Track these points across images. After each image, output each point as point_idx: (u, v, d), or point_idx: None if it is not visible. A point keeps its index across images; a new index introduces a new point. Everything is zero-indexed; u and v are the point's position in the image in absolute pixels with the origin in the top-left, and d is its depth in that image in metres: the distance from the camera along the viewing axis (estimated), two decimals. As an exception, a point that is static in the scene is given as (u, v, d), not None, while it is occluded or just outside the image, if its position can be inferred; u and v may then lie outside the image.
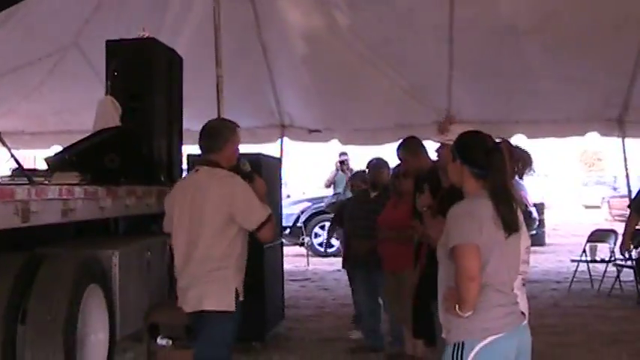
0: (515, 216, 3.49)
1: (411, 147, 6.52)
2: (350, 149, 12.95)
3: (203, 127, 5.17)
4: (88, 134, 7.15)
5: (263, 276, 7.62)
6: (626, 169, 11.21)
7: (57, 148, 10.51)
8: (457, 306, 3.41)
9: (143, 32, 7.89)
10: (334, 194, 13.11)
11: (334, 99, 11.17)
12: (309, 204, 16.55)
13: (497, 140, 3.67)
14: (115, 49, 7.57)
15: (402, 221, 6.41)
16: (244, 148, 9.97)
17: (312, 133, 11.46)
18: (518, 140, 10.90)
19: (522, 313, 3.55)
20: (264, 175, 7.71)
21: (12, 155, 5.50)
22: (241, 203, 4.93)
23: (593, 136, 11.15)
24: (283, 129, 11.62)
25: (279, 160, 8.58)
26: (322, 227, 15.68)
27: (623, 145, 10.85)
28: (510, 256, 3.51)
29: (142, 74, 7.52)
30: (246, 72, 10.49)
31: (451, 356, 3.44)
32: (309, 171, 9.26)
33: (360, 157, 12.25)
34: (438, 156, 5.49)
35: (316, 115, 11.48)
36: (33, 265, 5.33)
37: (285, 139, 11.66)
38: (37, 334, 5.05)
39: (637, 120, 10.63)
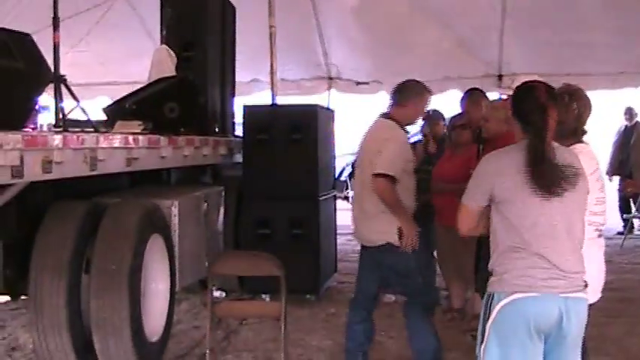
0: (551, 181, 3.26)
1: (474, 98, 6.41)
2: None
3: (399, 83, 5.39)
4: (139, 85, 7.13)
5: (317, 228, 7.59)
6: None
7: (103, 99, 10.52)
8: None
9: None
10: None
11: (382, 51, 11.02)
12: (353, 157, 16.13)
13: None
14: (168, -5, 7.48)
15: (458, 173, 6.32)
16: (290, 99, 10.02)
17: (360, 86, 11.31)
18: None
19: (582, 285, 3.32)
20: (320, 126, 7.72)
21: (78, 106, 5.48)
22: (384, 148, 5.08)
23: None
24: (330, 81, 11.49)
25: (332, 111, 8.46)
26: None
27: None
28: (555, 217, 3.29)
29: (197, 23, 7.46)
30: (294, 23, 10.36)
31: (484, 305, 3.39)
32: (354, 124, 9.13)
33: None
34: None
35: (364, 67, 11.35)
36: (95, 214, 5.33)
37: (332, 91, 11.52)
38: (102, 283, 5.07)
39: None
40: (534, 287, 3.26)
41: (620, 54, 10.41)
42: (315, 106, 7.81)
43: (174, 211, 6.18)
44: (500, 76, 11.24)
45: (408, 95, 5.31)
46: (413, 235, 5.16)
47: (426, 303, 5.39)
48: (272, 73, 8.70)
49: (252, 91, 11.17)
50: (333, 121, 8.39)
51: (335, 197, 8.59)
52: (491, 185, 3.36)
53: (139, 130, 5.85)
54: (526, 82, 3.53)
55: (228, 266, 5.44)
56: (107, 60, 11.60)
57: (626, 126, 12.42)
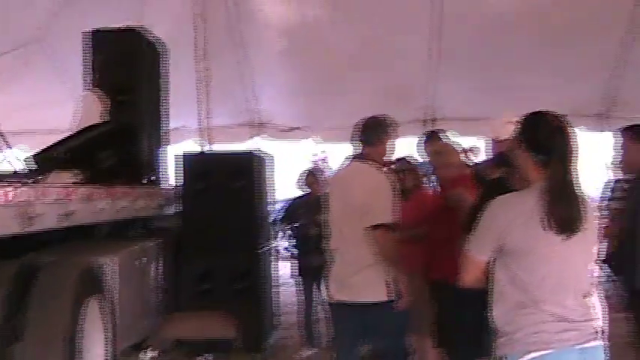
0: (575, 214, 2.96)
1: (431, 142, 6.16)
2: (328, 148, 12.55)
3: (364, 121, 5.11)
4: (58, 132, 6.63)
5: (260, 282, 7.17)
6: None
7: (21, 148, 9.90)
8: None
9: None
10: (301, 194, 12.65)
11: (311, 97, 10.73)
12: (281, 205, 15.78)
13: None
14: (99, 39, 7.02)
15: (410, 219, 6.05)
16: (217, 147, 9.59)
17: (288, 132, 10.98)
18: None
19: (593, 331, 3.02)
20: (260, 173, 7.35)
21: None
22: (378, 196, 4.82)
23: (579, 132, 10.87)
24: (258, 127, 11.12)
25: (272, 157, 8.08)
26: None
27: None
28: (567, 263, 3.01)
29: (130, 66, 7.03)
30: (219, 67, 9.98)
31: None
32: (281, 171, 8.90)
33: (338, 157, 11.84)
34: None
35: (292, 113, 11.04)
36: (27, 275, 4.79)
37: (260, 137, 11.15)
38: (37, 352, 4.53)
39: (624, 115, 10.40)
40: (549, 344, 2.96)
41: (553, 96, 10.37)
42: (256, 151, 7.44)
43: (114, 268, 5.69)
44: (433, 121, 11.10)
45: (380, 132, 5.02)
46: (408, 293, 4.83)
47: None
48: (205, 118, 8.30)
49: (177, 139, 10.69)
50: (272, 167, 8.01)
51: (271, 248, 8.18)
52: (501, 234, 3.02)
53: (74, 181, 5.34)
54: (533, 112, 3.22)
55: (181, 328, 5.03)
56: (21, 107, 10.97)
57: None
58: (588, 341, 2.99)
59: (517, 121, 3.21)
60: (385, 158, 5.15)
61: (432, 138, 6.26)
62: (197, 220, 7.10)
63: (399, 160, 6.54)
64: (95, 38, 7.05)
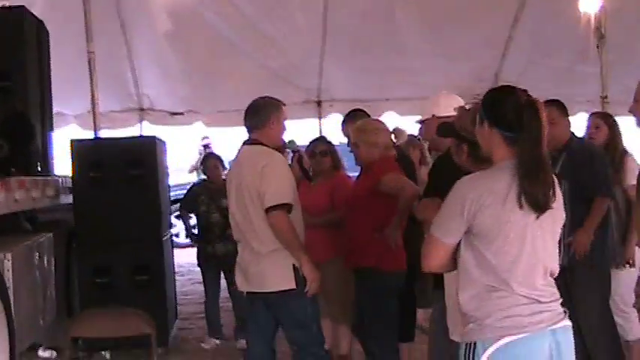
0: (548, 191, 2.84)
1: (355, 121, 5.95)
2: (214, 132, 12.25)
3: (248, 106, 4.88)
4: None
5: (162, 273, 6.86)
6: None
7: None
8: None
9: (3, 1, 6.90)
10: (199, 180, 12.33)
11: (197, 79, 10.46)
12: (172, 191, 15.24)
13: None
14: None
15: (321, 205, 5.90)
16: (101, 133, 9.18)
17: (174, 116, 10.63)
18: (390, 117, 10.73)
19: (562, 311, 2.94)
20: (159, 160, 7.03)
21: None
22: (267, 176, 4.60)
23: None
24: (142, 112, 10.70)
25: (165, 143, 7.72)
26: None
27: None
28: (539, 242, 2.90)
29: (13, 49, 6.52)
30: (102, 50, 9.53)
31: (463, 358, 2.91)
32: (170, 156, 8.53)
33: (225, 141, 11.61)
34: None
35: (178, 97, 10.69)
36: None
37: (145, 123, 10.74)
38: None
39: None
40: (523, 327, 2.82)
41: (438, 78, 10.46)
42: (154, 137, 7.10)
43: (7, 265, 5.28)
44: (319, 102, 11.01)
45: (266, 114, 4.81)
46: (316, 279, 4.65)
47: (320, 354, 4.88)
48: (93, 104, 7.89)
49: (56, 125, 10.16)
50: (166, 153, 7.68)
51: (171, 237, 7.86)
52: (470, 215, 2.85)
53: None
54: (497, 87, 3.09)
55: (92, 327, 4.71)
56: None
57: None
58: (559, 321, 2.90)
59: (477, 98, 3.09)
60: (277, 140, 4.93)
61: (356, 116, 6.05)
62: (92, 211, 6.70)
63: (314, 140, 6.37)
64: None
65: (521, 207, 2.81)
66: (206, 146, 12.52)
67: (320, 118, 11.03)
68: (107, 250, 6.66)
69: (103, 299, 6.49)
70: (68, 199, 6.99)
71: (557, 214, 2.93)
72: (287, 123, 4.97)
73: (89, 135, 8.81)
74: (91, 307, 6.34)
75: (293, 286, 4.62)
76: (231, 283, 7.13)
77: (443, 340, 4.32)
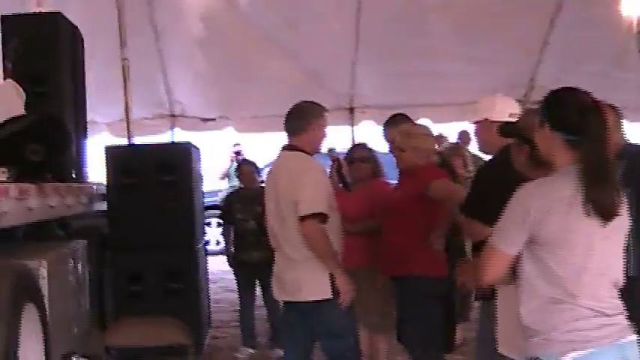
0: (614, 198, 2.72)
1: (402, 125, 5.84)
2: (246, 138, 12.19)
3: (290, 109, 4.79)
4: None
5: (196, 281, 6.78)
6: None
7: None
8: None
9: (39, 7, 6.87)
10: (230, 187, 12.27)
11: (229, 85, 10.41)
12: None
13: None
14: (12, 25, 6.45)
15: (359, 212, 5.78)
16: (134, 141, 9.14)
17: (206, 123, 10.58)
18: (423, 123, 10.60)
19: (627, 324, 2.80)
20: (193, 166, 6.96)
21: None
22: (302, 184, 4.49)
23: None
24: (174, 119, 10.66)
25: (199, 150, 7.66)
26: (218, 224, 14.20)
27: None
28: (605, 252, 2.77)
29: (48, 54, 6.45)
30: (133, 57, 9.50)
31: None
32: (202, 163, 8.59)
33: (256, 147, 11.55)
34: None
35: (210, 103, 10.66)
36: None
37: (177, 129, 10.70)
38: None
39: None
40: (589, 342, 2.70)
41: (471, 84, 10.32)
42: (188, 144, 7.04)
43: (43, 272, 5.21)
44: (351, 109, 10.92)
45: (307, 119, 4.71)
46: (350, 290, 4.54)
47: None
48: (127, 111, 7.85)
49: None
50: (200, 160, 7.61)
51: (205, 245, 7.79)
52: (535, 225, 2.72)
53: (4, 178, 4.84)
54: (558, 88, 2.95)
55: (128, 336, 4.63)
56: None
57: None
58: (625, 335, 2.76)
59: (539, 101, 2.95)
60: (316, 146, 4.81)
61: (398, 121, 5.94)
62: (125, 217, 6.64)
63: (354, 147, 6.27)
64: (5, 25, 6.46)
65: (587, 215, 2.68)
66: (237, 153, 12.45)
67: (352, 125, 10.93)
68: (140, 257, 6.60)
69: (136, 306, 6.43)
70: (101, 206, 6.94)
71: (622, 222, 2.80)
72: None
73: (121, 142, 8.77)
74: (124, 315, 6.28)
75: (329, 295, 4.51)
76: (266, 291, 7.05)
77: (487, 356, 4.17)
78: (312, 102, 4.88)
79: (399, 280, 5.14)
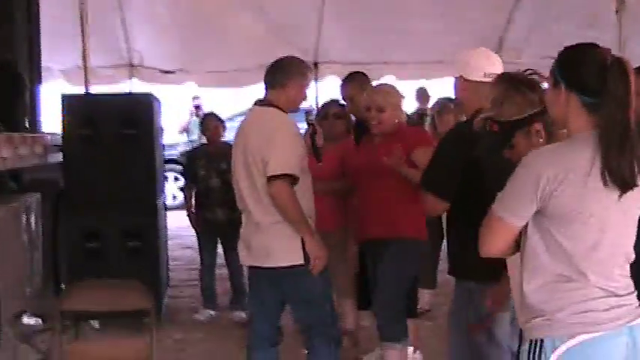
0: (633, 166, 2.45)
1: (360, 83, 5.59)
2: (205, 92, 11.81)
3: (273, 62, 4.47)
4: None
5: (157, 240, 6.49)
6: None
7: None
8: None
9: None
10: (189, 141, 11.94)
11: (190, 37, 9.97)
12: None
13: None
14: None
15: (332, 171, 5.54)
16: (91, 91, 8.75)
17: (165, 75, 10.18)
18: (388, 81, 10.37)
19: (638, 304, 2.57)
20: (155, 119, 6.64)
21: None
22: (273, 142, 4.21)
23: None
24: (132, 69, 10.23)
25: (160, 102, 7.29)
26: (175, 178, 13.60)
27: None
28: (621, 226, 2.53)
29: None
30: (89, 4, 9.06)
31: (526, 356, 2.55)
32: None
33: (215, 102, 11.19)
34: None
35: (170, 54, 10.22)
36: None
37: (134, 80, 10.28)
38: None
39: (510, 61, 10.21)
40: (600, 324, 2.47)
41: (438, 42, 10.07)
42: (150, 95, 6.70)
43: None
44: (316, 64, 10.58)
45: (289, 74, 4.42)
46: (322, 255, 4.29)
47: (332, 334, 4.53)
48: (84, 58, 7.44)
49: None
50: (160, 113, 7.27)
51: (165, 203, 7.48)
52: (544, 195, 2.45)
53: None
54: (575, 44, 2.66)
55: (85, 300, 4.34)
56: None
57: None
58: (637, 317, 2.53)
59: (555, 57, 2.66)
60: (293, 105, 4.55)
61: (355, 79, 5.69)
62: (82, 171, 6.31)
63: (328, 103, 6.01)
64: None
65: (605, 185, 2.42)
66: (197, 107, 12.10)
67: (317, 80, 10.62)
68: (98, 214, 6.28)
69: (93, 266, 6.15)
70: (56, 158, 6.57)
71: (638, 194, 2.53)
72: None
73: (77, 91, 8.38)
74: (79, 276, 5.97)
75: (301, 261, 4.25)
76: (228, 252, 6.81)
77: (462, 333, 3.96)
78: (298, 58, 4.59)
79: (381, 243, 4.90)
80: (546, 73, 2.74)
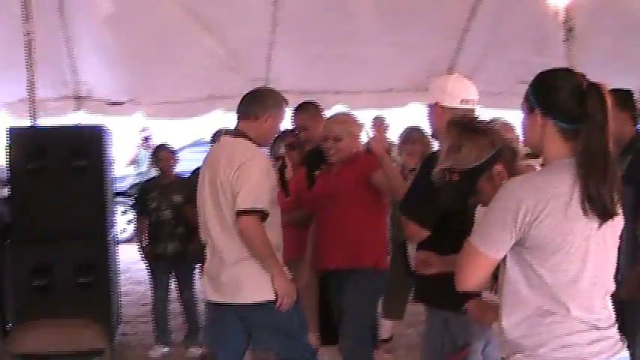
0: (614, 195, 2.40)
1: (313, 112, 5.56)
2: (154, 124, 11.63)
3: (249, 91, 4.49)
4: None
5: (107, 272, 6.31)
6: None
7: None
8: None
9: None
10: (138, 174, 11.73)
11: (139, 67, 9.79)
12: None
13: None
14: None
15: (285, 202, 5.45)
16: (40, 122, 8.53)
17: (114, 106, 9.99)
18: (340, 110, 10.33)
19: (619, 338, 2.53)
20: (107, 151, 6.49)
21: None
22: (244, 176, 4.14)
23: (414, 107, 10.67)
24: (79, 101, 10.01)
25: (111, 134, 7.15)
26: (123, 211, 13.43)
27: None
28: (602, 256, 2.46)
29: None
30: (36, 33, 8.86)
31: None
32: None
33: (164, 133, 11.03)
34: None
35: (118, 85, 10.03)
36: None
37: (82, 112, 10.06)
38: None
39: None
40: (583, 359, 2.41)
41: (390, 70, 10.09)
42: (100, 127, 6.54)
43: None
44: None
45: (264, 107, 4.36)
46: (291, 292, 4.19)
47: None
48: (31, 90, 7.26)
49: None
50: (111, 145, 7.12)
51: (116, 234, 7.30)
52: (524, 226, 2.38)
53: None
54: (551, 69, 2.61)
55: (37, 341, 4.18)
56: None
57: None
58: (619, 351, 2.48)
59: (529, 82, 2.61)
60: (265, 138, 4.50)
61: (308, 108, 5.65)
62: (31, 204, 6.15)
63: (283, 133, 5.93)
64: None
65: (585, 214, 2.36)
66: (146, 138, 11.93)
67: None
68: (47, 249, 6.11)
69: (42, 304, 5.95)
70: (2, 192, 6.38)
71: (619, 223, 2.49)
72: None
73: (21, 124, 8.16)
74: (27, 313, 5.78)
75: (272, 296, 4.13)
76: (182, 286, 6.68)
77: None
78: (274, 90, 4.57)
79: (341, 273, 4.83)
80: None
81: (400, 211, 4.09)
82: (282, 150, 5.53)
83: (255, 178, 4.14)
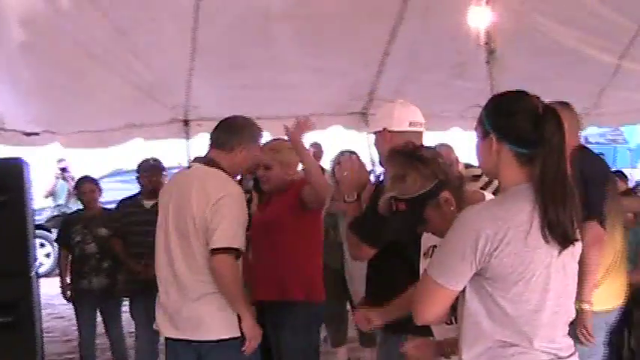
0: (573, 220, 2.37)
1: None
2: (72, 153, 11.34)
3: (225, 118, 4.37)
4: None
5: (30, 311, 6.07)
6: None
7: None
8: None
9: None
10: (55, 206, 11.39)
11: (55, 97, 9.52)
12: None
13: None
14: None
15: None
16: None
17: (29, 137, 9.68)
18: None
19: None
20: (24, 183, 6.26)
21: None
22: (221, 212, 3.98)
23: (336, 130, 10.72)
24: (-9, 132, 9.67)
25: (29, 165, 6.90)
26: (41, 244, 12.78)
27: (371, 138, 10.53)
28: (563, 284, 2.42)
29: None
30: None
31: None
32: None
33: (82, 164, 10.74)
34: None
35: (34, 115, 9.73)
36: None
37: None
38: None
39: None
40: None
41: (311, 95, 10.08)
42: (20, 159, 6.32)
43: None
44: (186, 122, 10.35)
45: (240, 138, 4.27)
46: (257, 335, 4.07)
47: None
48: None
49: None
50: (30, 177, 6.87)
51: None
52: (483, 256, 2.32)
53: None
54: (505, 92, 2.58)
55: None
56: None
57: None
58: None
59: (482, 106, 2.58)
60: (237, 170, 4.40)
61: None
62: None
63: None
64: None
65: (546, 240, 2.32)
66: (64, 169, 11.61)
67: (188, 138, 10.39)
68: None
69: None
70: None
71: (578, 249, 2.46)
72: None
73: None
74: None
75: (235, 334, 4.01)
76: (109, 321, 6.47)
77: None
78: (251, 121, 4.47)
79: (273, 305, 4.73)
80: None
81: (352, 232, 4.04)
82: (251, 183, 5.43)
83: (232, 215, 4.02)
